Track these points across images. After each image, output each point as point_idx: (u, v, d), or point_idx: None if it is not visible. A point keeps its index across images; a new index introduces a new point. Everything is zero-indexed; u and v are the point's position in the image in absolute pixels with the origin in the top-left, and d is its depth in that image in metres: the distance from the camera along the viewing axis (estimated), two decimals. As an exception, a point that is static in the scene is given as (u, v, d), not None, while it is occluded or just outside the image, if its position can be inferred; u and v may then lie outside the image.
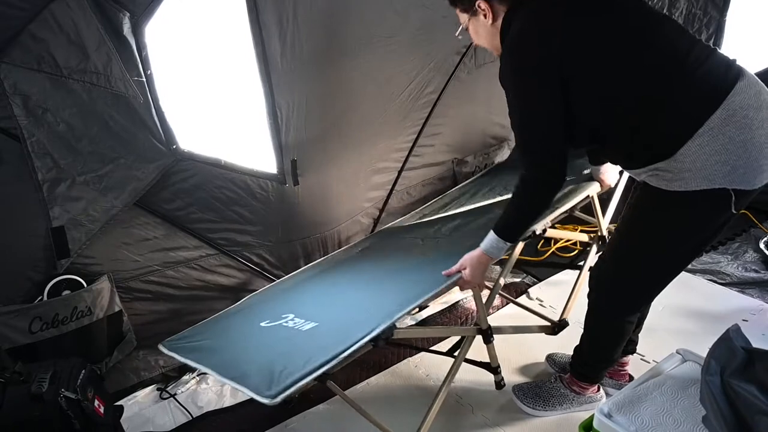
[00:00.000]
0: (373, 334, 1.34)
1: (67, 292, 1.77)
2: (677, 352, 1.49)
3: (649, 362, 1.94)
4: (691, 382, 1.36)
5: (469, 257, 1.50)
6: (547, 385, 1.77)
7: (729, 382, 1.12)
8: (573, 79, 1.25)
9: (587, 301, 1.59)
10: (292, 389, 1.20)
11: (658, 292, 1.51)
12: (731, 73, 1.24)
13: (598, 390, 1.76)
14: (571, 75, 1.25)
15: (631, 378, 1.82)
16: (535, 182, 1.38)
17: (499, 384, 1.81)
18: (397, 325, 1.40)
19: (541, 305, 2.32)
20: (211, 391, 1.88)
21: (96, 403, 1.43)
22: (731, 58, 1.29)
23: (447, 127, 2.37)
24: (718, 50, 1.29)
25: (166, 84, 1.69)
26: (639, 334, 1.78)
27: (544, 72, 1.25)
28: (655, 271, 1.45)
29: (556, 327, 1.99)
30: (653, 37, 1.25)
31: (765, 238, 2.67)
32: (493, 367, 1.79)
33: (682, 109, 1.23)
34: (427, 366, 2.00)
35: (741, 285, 2.40)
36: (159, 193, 1.83)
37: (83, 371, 1.44)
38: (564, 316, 1.99)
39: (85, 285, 1.80)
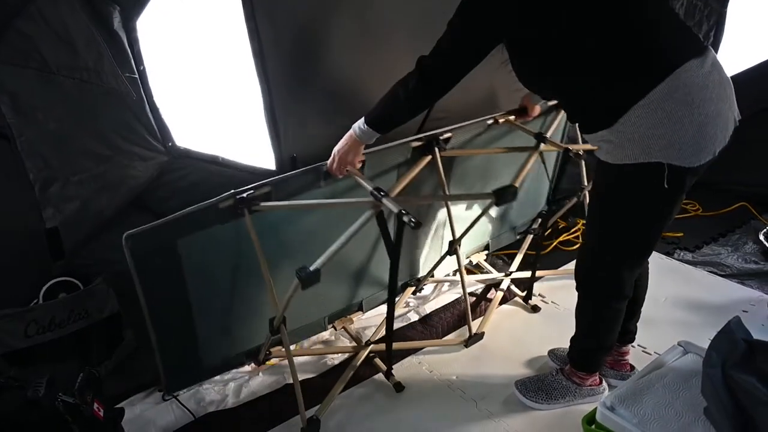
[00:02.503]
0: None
1: (63, 294, 1.80)
2: (678, 345, 1.54)
3: (650, 354, 2.00)
4: (692, 374, 1.42)
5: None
6: (549, 379, 1.82)
7: (730, 373, 1.17)
8: (534, 17, 1.28)
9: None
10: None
11: (631, 269, 1.56)
12: (688, 50, 1.28)
13: (601, 382, 1.81)
14: (534, 13, 1.28)
15: (632, 368, 1.88)
16: (429, 83, 1.43)
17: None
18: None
19: (543, 301, 2.37)
20: (214, 391, 1.91)
21: (95, 406, 1.44)
22: (701, 39, 1.38)
23: (447, 122, 2.38)
24: (689, 27, 1.35)
25: (160, 80, 1.71)
26: (637, 324, 1.84)
27: (506, 10, 1.29)
28: (617, 246, 1.51)
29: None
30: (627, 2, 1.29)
31: (765, 230, 2.74)
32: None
33: (628, 77, 1.29)
34: (431, 362, 2.05)
35: (741, 276, 2.47)
36: (155, 191, 1.85)
37: (81, 375, 1.46)
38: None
39: (81, 287, 1.82)
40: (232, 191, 1.63)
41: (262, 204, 1.62)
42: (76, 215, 1.75)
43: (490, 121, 2.15)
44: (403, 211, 1.46)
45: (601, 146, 1.39)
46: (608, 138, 1.34)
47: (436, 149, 1.97)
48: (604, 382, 1.82)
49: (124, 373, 1.92)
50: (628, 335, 1.83)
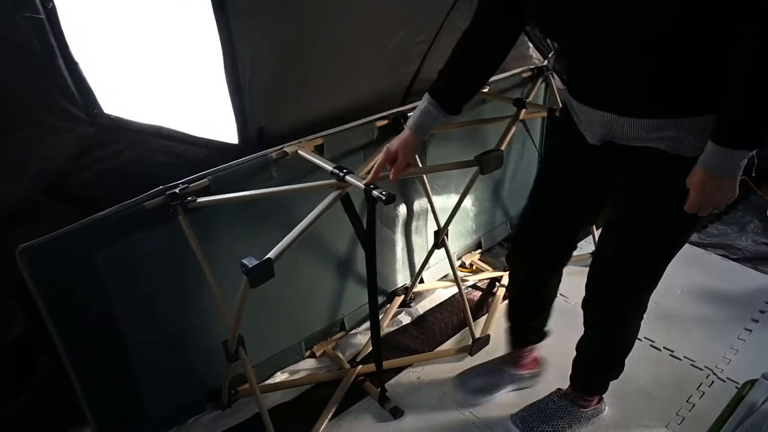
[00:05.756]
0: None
1: (-52, 314, 1.38)
2: (764, 378, 1.33)
3: (680, 359, 1.84)
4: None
5: (696, 181, 1.09)
6: (551, 406, 1.61)
7: None
8: None
9: (588, 316, 1.45)
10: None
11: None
12: None
13: (601, 399, 1.64)
14: None
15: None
16: None
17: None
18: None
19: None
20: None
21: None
22: None
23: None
24: None
25: (79, 24, 1.25)
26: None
27: None
28: (672, 253, 1.30)
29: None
30: None
31: (770, 207, 2.65)
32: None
33: None
34: (431, 376, 1.80)
35: (754, 261, 2.36)
36: (76, 174, 1.42)
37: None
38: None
39: (-25, 303, 1.41)
40: (161, 187, 1.34)
41: (200, 200, 1.35)
42: (-38, 208, 1.31)
43: None
44: (371, 186, 1.29)
45: (683, 138, 1.12)
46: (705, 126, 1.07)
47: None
48: (604, 399, 1.65)
49: (42, 409, 1.52)
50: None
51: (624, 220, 1.28)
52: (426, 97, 1.32)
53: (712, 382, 1.74)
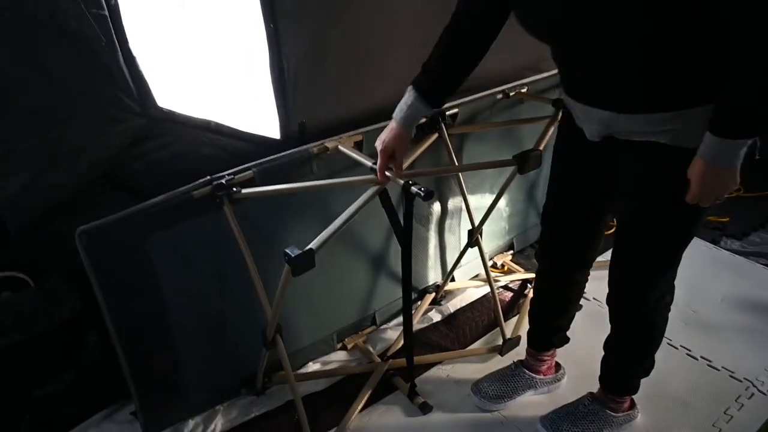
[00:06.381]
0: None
1: (6, 293, 1.48)
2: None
3: (718, 369, 1.81)
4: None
5: (696, 172, 1.10)
6: (581, 410, 1.60)
7: None
8: None
9: (612, 311, 1.46)
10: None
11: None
12: None
13: (633, 405, 1.63)
14: None
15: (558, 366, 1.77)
16: None
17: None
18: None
19: (584, 297, 2.13)
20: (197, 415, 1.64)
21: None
22: None
23: (481, 90, 2.07)
24: None
25: (138, 20, 1.33)
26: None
27: None
28: (679, 244, 1.29)
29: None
30: None
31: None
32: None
33: None
34: (461, 375, 1.82)
35: (800, 272, 2.31)
36: (129, 164, 1.50)
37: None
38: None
39: (31, 283, 1.51)
40: (208, 177, 1.41)
41: (245, 191, 1.41)
42: (23, 193, 1.39)
43: (499, 95, 2.00)
44: (410, 182, 1.33)
45: (684, 129, 1.12)
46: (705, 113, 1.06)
47: (443, 126, 1.81)
48: (636, 404, 1.63)
49: (88, 387, 1.61)
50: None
51: (631, 215, 1.31)
52: (410, 90, 1.31)
53: (752, 394, 1.71)
